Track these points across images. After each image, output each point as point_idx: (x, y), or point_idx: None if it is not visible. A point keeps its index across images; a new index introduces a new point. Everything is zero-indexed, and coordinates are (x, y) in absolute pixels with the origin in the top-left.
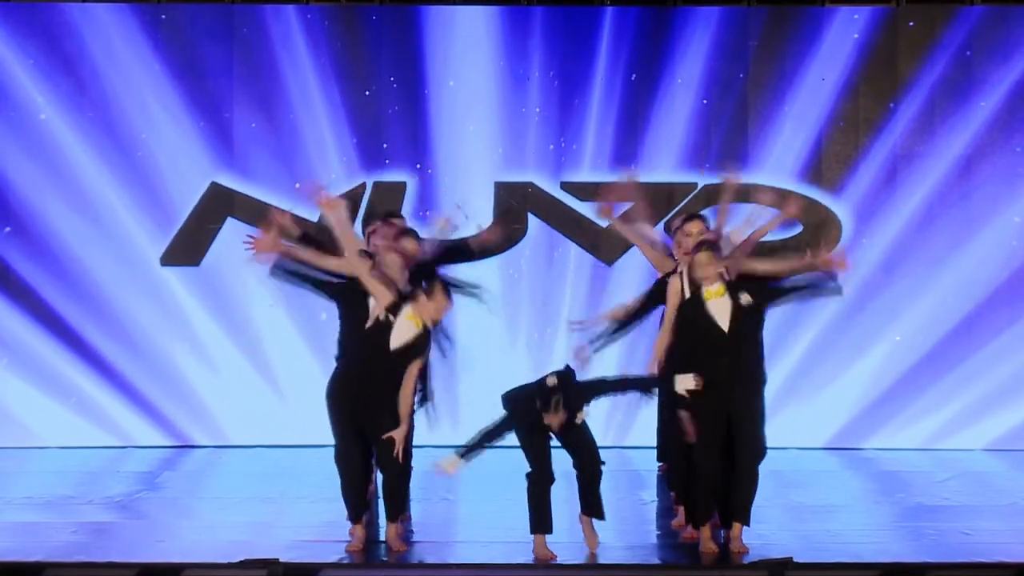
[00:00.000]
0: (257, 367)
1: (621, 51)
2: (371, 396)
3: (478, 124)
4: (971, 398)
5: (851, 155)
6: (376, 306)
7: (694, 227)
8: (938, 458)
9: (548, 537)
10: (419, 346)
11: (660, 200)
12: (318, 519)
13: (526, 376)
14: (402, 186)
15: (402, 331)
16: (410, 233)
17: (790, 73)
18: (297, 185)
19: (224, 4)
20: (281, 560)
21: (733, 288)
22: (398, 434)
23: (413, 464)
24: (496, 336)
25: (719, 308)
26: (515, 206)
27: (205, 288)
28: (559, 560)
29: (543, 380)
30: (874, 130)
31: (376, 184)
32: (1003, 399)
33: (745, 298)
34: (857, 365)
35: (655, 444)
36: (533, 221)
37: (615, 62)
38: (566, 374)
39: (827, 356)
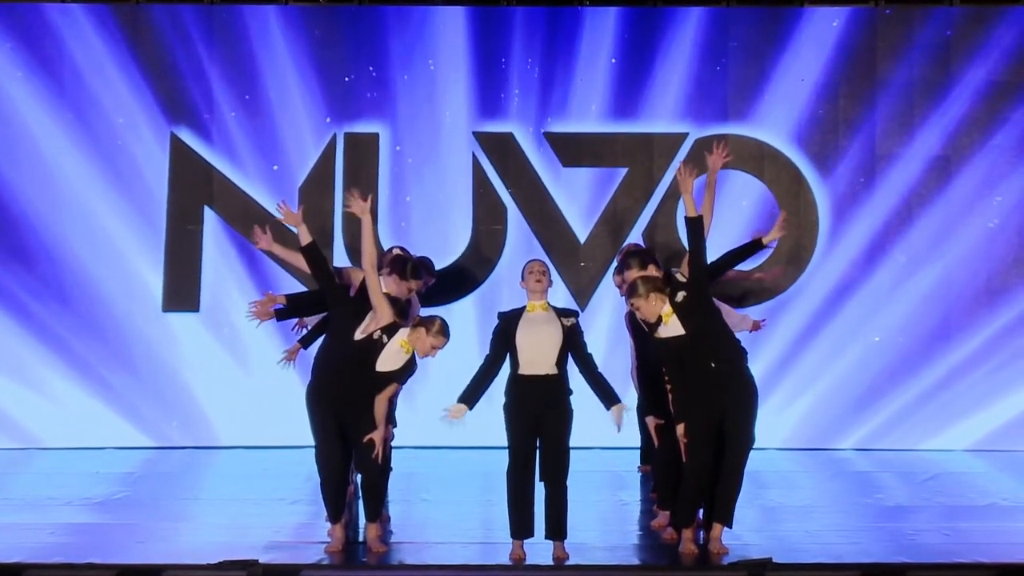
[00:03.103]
0: (237, 368)
1: (601, 49)
2: (352, 401)
3: (455, 106)
4: (950, 399)
5: (830, 155)
6: (372, 322)
7: (628, 276)
8: (917, 458)
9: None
10: (402, 373)
11: (647, 153)
12: (297, 520)
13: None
14: (375, 137)
15: (391, 355)
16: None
17: (769, 73)
18: (275, 167)
19: (204, 4)
20: (260, 561)
21: (673, 297)
22: (378, 436)
23: (392, 466)
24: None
25: (674, 322)
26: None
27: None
28: (539, 561)
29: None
30: (853, 130)
31: (348, 135)
32: (982, 400)
33: (680, 295)
34: (836, 365)
35: (638, 446)
36: (512, 223)
37: (595, 59)
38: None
39: (805, 356)
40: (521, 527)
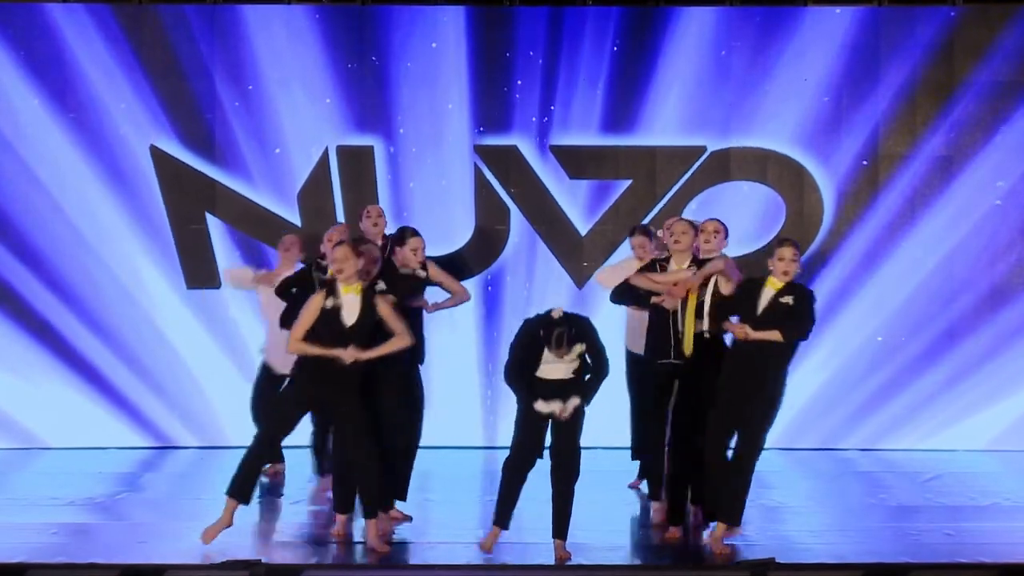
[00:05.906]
0: (238, 367)
1: (604, 49)
2: (330, 378)
3: (458, 99)
4: (953, 399)
5: (833, 155)
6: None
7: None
8: (920, 458)
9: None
10: (369, 315)
11: (650, 163)
12: (300, 520)
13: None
14: (369, 150)
15: (350, 307)
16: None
17: (772, 73)
18: (277, 150)
19: (207, 5)
20: (263, 561)
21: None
22: (363, 354)
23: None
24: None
25: (766, 294)
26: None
27: (186, 288)
28: (541, 560)
29: (548, 313)
30: (856, 130)
31: (340, 148)
32: (985, 400)
33: (789, 299)
34: (839, 364)
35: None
36: (515, 222)
37: (598, 58)
38: (573, 314)
39: (808, 355)
40: (505, 516)
